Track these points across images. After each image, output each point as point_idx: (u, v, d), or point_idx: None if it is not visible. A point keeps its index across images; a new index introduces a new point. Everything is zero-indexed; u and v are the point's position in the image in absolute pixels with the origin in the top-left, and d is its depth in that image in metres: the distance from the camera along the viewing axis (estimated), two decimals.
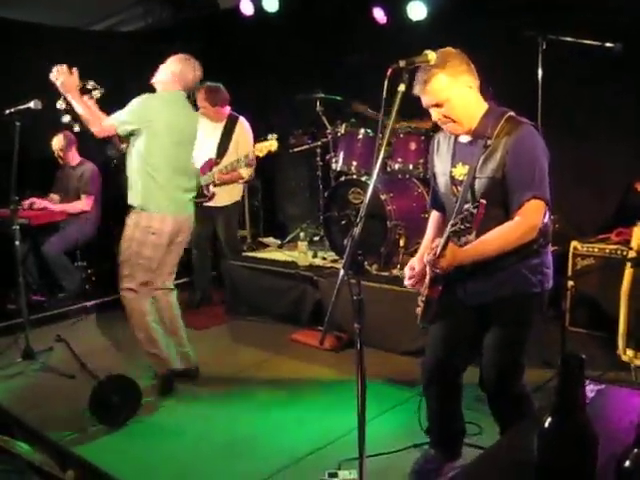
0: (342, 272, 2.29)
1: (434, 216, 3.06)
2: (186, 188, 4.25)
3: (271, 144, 5.04)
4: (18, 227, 4.70)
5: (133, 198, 4.11)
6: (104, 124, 4.03)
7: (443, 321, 2.89)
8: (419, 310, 2.86)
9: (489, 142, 2.58)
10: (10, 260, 4.86)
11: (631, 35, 4.28)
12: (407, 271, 2.89)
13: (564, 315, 4.17)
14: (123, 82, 5.66)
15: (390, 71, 2.38)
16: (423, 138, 5.17)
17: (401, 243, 5.03)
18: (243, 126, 5.68)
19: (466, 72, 2.60)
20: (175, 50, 7.90)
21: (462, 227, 2.33)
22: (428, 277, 2.73)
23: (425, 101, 2.62)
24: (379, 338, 4.43)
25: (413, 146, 5.15)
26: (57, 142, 6.19)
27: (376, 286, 4.70)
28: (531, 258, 2.67)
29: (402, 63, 2.41)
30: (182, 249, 4.37)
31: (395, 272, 4.92)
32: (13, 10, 6.50)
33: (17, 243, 4.69)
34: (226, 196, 5.67)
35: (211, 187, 5.46)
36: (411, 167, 5.16)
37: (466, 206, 2.37)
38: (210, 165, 5.54)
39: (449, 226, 2.42)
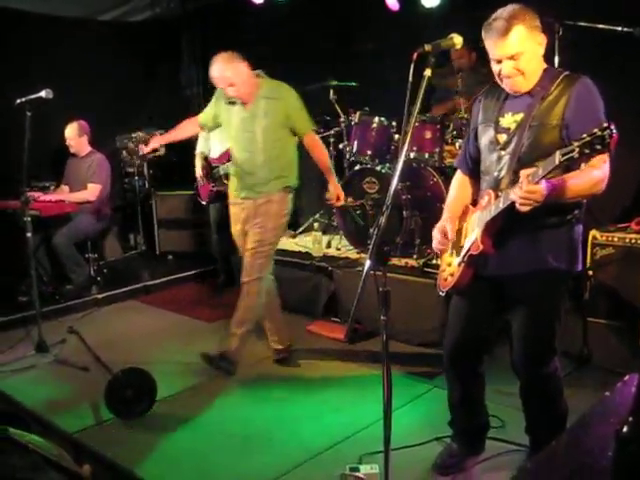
0: (368, 263, 2.23)
1: (459, 178, 2.98)
2: None
3: None
4: (30, 219, 4.66)
5: None
6: None
7: (464, 298, 2.86)
8: (448, 276, 2.81)
9: (547, 92, 2.52)
10: (22, 252, 4.82)
11: None
12: (438, 235, 2.80)
13: (585, 305, 4.09)
14: (130, 72, 5.61)
15: (416, 55, 2.31)
16: (439, 127, 5.09)
17: (417, 233, 4.97)
18: None
19: (538, 28, 2.54)
20: (181, 41, 7.91)
21: (586, 151, 2.07)
22: (486, 225, 2.59)
23: (499, 52, 2.51)
24: (395, 329, 4.38)
25: (428, 135, 5.07)
26: (70, 130, 6.14)
27: (392, 276, 4.63)
28: (563, 229, 2.60)
29: (428, 47, 2.36)
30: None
31: (411, 262, 4.86)
32: (20, 0, 6.45)
33: (29, 235, 4.64)
34: None
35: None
36: (427, 156, 5.09)
37: (584, 135, 2.10)
38: (227, 156, 5.58)
39: (558, 154, 2.17)
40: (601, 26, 4.24)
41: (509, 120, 2.62)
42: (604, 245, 4.53)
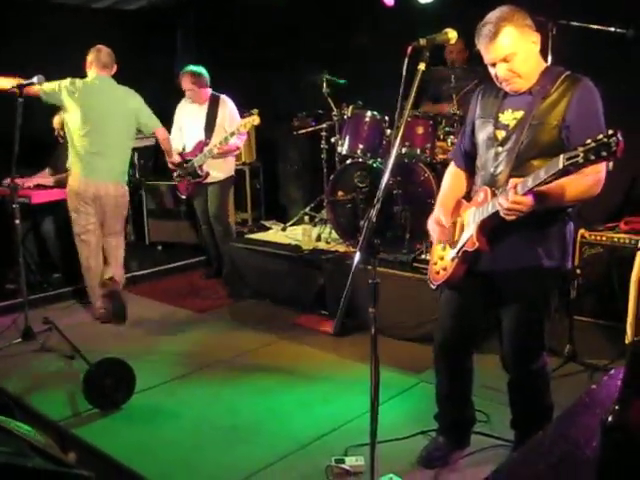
0: (358, 256, 2.24)
1: (453, 171, 2.96)
2: None
3: (253, 119, 5.41)
4: (18, 206, 4.62)
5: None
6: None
7: (455, 291, 2.87)
8: (440, 270, 2.82)
9: (548, 92, 2.52)
10: (9, 239, 4.79)
11: None
12: (435, 226, 2.78)
13: (571, 303, 4.12)
14: (123, 61, 5.60)
15: (410, 49, 2.31)
16: (431, 122, 5.10)
17: (407, 228, 4.99)
18: (226, 104, 5.83)
19: (530, 27, 2.53)
20: (176, 30, 7.87)
21: (591, 157, 2.02)
22: (479, 225, 2.59)
23: (491, 56, 2.52)
24: (383, 323, 4.38)
25: (420, 130, 5.07)
26: (58, 120, 6.08)
27: (381, 271, 4.62)
28: (556, 227, 2.61)
29: (422, 41, 2.36)
30: None
31: (400, 257, 4.87)
32: None
33: (17, 222, 4.61)
34: (218, 173, 5.87)
35: (204, 167, 5.74)
36: (418, 152, 5.08)
37: (588, 140, 2.04)
38: (200, 147, 5.82)
39: (562, 158, 2.11)
40: (594, 27, 4.25)
41: (509, 117, 2.62)
42: (592, 244, 4.57)
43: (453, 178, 2.95)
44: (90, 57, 5.02)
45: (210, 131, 5.79)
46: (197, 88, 5.71)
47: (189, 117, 5.89)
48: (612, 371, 1.50)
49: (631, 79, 4.65)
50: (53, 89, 4.85)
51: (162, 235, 7.28)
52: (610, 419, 1.04)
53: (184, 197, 6.12)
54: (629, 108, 4.79)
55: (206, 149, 5.69)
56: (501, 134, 2.63)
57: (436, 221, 2.79)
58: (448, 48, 5.46)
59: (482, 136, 2.72)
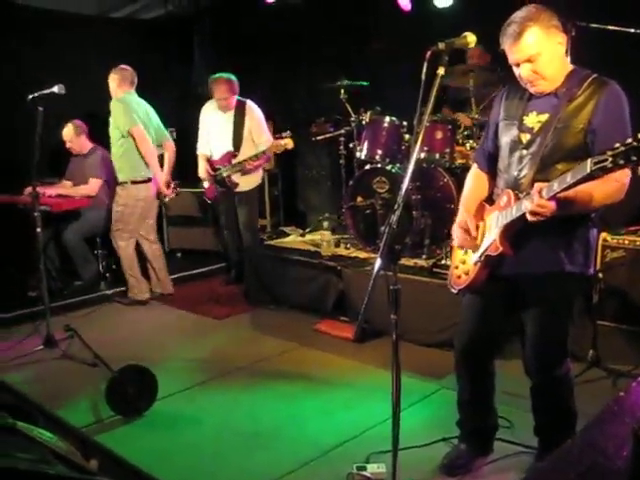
0: (378, 262, 2.23)
1: (476, 173, 2.93)
2: None
3: (286, 142, 5.42)
4: (39, 214, 4.66)
5: None
6: None
7: (477, 295, 2.84)
8: (462, 274, 2.80)
9: (574, 95, 2.48)
10: (32, 247, 4.83)
11: None
12: (459, 231, 2.75)
13: (594, 308, 4.07)
14: (143, 69, 5.66)
15: (429, 53, 2.30)
16: (450, 127, 5.08)
17: (426, 233, 4.97)
18: (253, 111, 5.81)
19: (556, 27, 2.49)
20: (193, 38, 7.92)
21: (620, 162, 1.98)
22: (503, 229, 2.57)
23: (515, 56, 2.49)
24: (404, 329, 4.36)
25: (439, 135, 5.05)
26: (67, 132, 6.13)
27: (401, 277, 4.60)
28: (579, 232, 2.58)
29: (441, 45, 2.35)
30: None
31: (420, 263, 4.85)
32: None
33: (38, 230, 4.65)
34: (245, 183, 5.85)
35: (233, 177, 5.73)
36: (437, 156, 5.07)
37: (617, 144, 2.00)
38: (228, 158, 5.82)
39: (589, 163, 2.09)
40: (613, 28, 4.21)
41: (533, 120, 2.59)
42: (614, 248, 4.52)
43: (475, 180, 2.92)
44: (118, 77, 5.52)
45: (238, 142, 5.77)
46: (231, 95, 5.67)
47: (215, 125, 5.86)
48: None
49: None
50: (134, 119, 5.47)
51: (181, 242, 7.31)
52: None
53: (210, 201, 6.14)
54: None
55: (234, 161, 5.69)
56: (525, 137, 2.60)
57: (461, 225, 2.76)
58: (469, 53, 5.43)
59: (506, 139, 2.69)
